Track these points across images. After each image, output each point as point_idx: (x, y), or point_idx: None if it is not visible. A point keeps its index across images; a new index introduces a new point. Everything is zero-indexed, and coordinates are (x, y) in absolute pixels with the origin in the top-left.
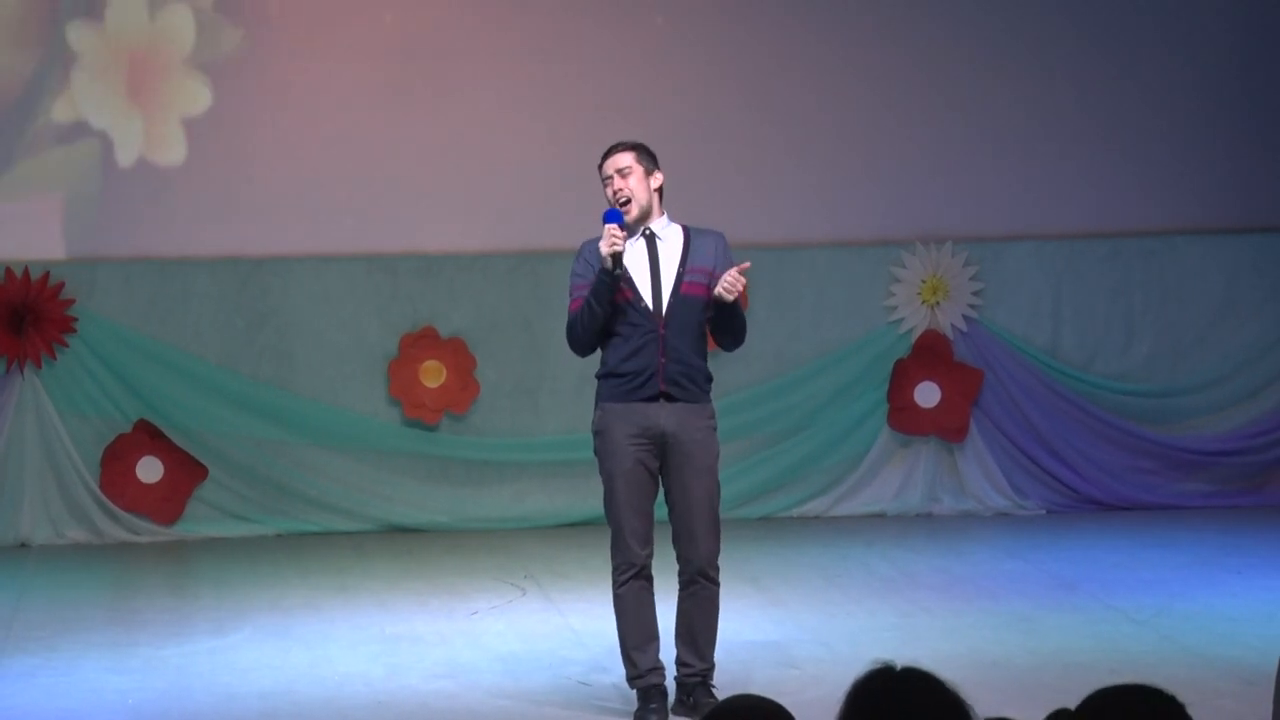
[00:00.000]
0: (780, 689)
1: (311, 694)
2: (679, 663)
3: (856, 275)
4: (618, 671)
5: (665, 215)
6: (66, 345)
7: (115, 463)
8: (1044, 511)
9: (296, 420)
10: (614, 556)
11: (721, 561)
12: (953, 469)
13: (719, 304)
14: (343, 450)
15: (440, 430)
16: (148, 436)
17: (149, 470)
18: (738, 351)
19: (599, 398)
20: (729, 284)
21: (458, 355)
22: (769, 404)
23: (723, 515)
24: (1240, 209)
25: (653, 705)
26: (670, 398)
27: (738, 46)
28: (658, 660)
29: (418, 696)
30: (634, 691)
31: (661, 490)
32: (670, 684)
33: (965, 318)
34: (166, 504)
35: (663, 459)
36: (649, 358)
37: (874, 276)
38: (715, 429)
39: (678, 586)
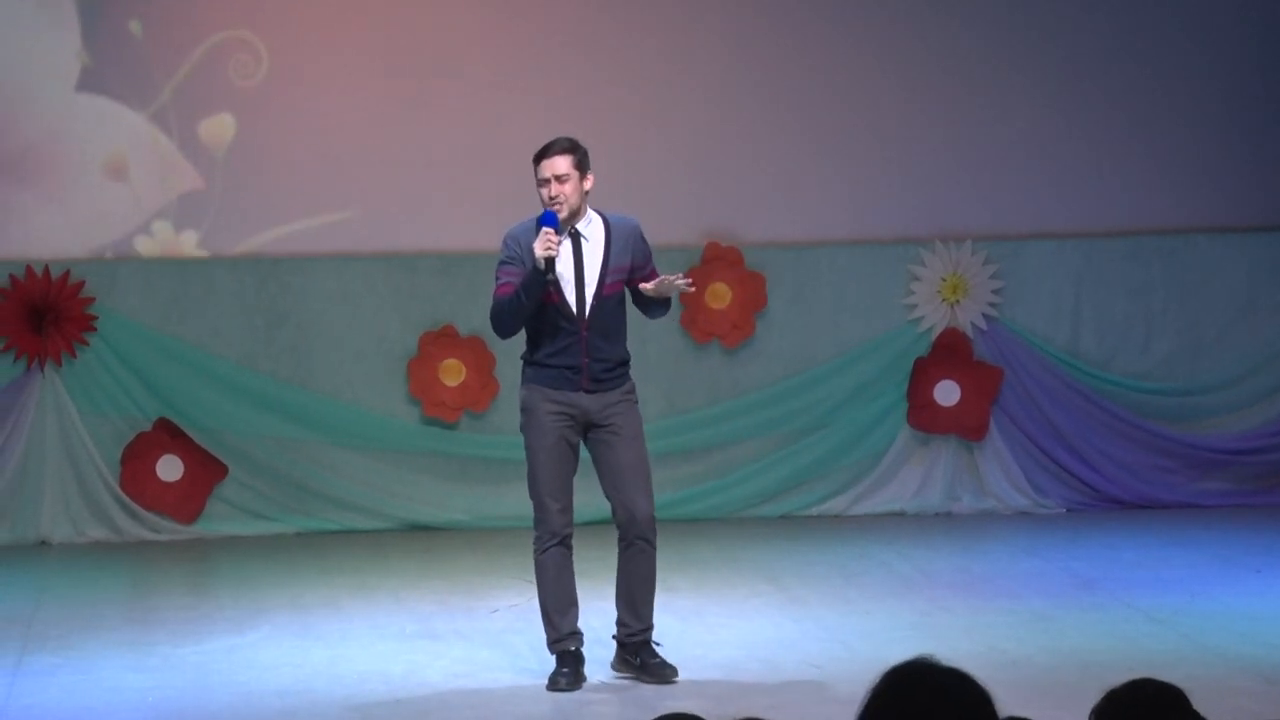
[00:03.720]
0: (800, 688)
1: (330, 692)
2: (620, 623)
3: (876, 273)
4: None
5: (589, 212)
6: (87, 344)
7: (135, 461)
8: (1064, 510)
9: (316, 419)
10: (537, 526)
11: (739, 560)
12: (972, 468)
13: (648, 293)
14: (362, 449)
15: (460, 429)
16: (168, 435)
17: (169, 469)
18: (756, 349)
19: (525, 379)
20: (668, 287)
21: (477, 354)
22: (788, 402)
23: (741, 514)
24: (1261, 207)
25: (565, 670)
26: (592, 390)
27: (758, 44)
28: (576, 625)
29: (436, 695)
30: (553, 656)
31: (594, 465)
32: (603, 645)
33: (985, 316)
34: (186, 502)
35: (586, 435)
36: (573, 357)
37: (894, 275)
38: (635, 401)
39: (617, 551)
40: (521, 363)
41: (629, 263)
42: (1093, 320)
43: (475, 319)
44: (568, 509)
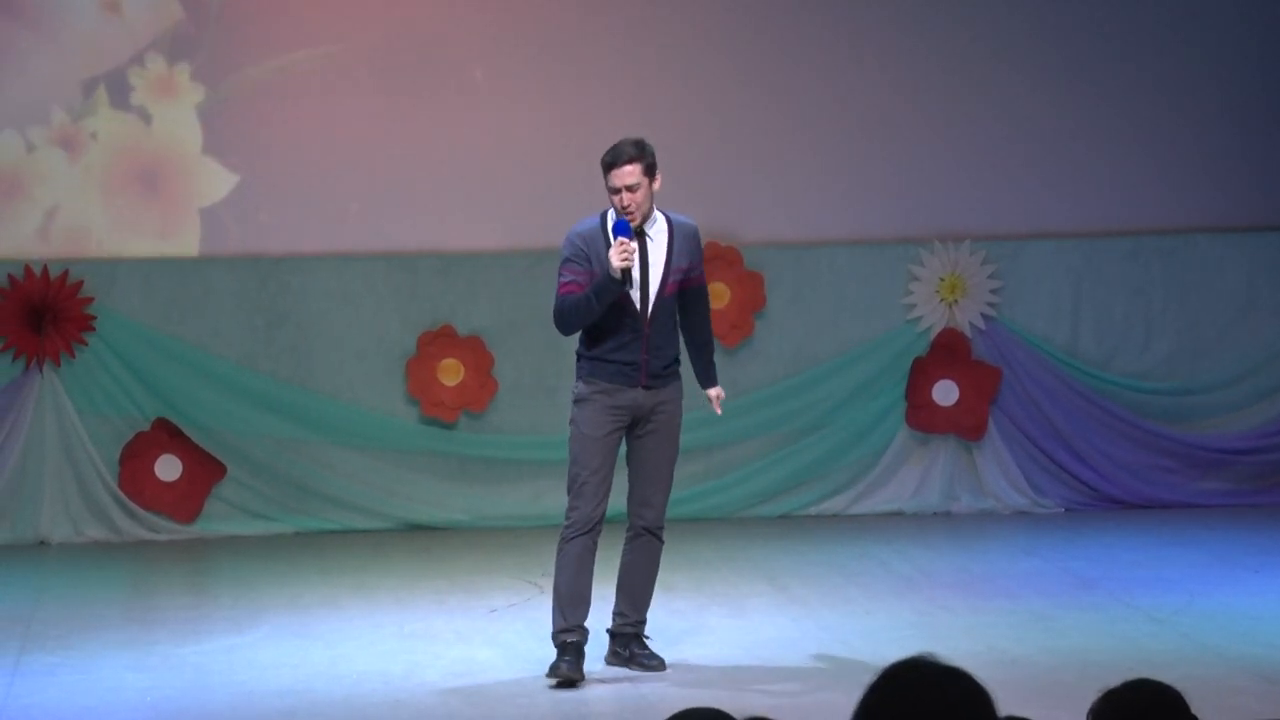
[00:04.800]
0: (799, 687)
1: (330, 692)
2: (616, 613)
3: (875, 274)
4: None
5: (654, 211)
6: (86, 344)
7: (134, 461)
8: (1063, 510)
9: (315, 418)
10: (571, 513)
11: (739, 560)
12: (971, 467)
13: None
14: (361, 448)
15: (458, 428)
16: (166, 435)
17: (168, 468)
18: (755, 349)
19: (583, 371)
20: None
21: (476, 353)
22: (787, 402)
23: (741, 514)
24: (1261, 206)
25: (567, 658)
26: (650, 386)
27: (756, 44)
28: (583, 621)
29: (435, 694)
30: (555, 645)
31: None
32: (602, 642)
33: (984, 316)
34: (185, 502)
35: (631, 428)
36: (634, 353)
37: (892, 275)
38: (681, 400)
39: (624, 539)
40: (577, 357)
41: (688, 264)
42: (1092, 320)
43: (474, 319)
44: (604, 502)
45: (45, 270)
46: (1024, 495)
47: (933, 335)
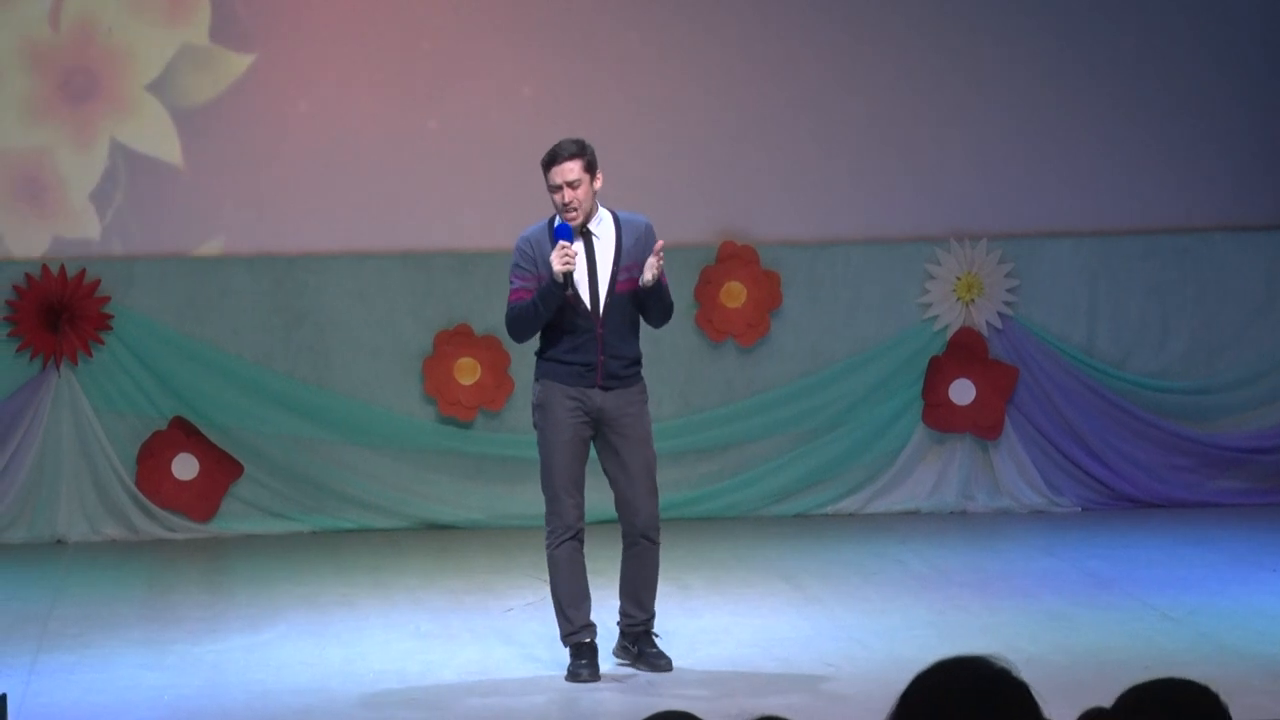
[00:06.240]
0: (816, 686)
1: (346, 691)
2: (623, 614)
3: (891, 272)
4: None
5: (599, 209)
6: (102, 342)
7: (151, 460)
8: (1079, 509)
9: (332, 417)
10: (550, 521)
11: (755, 559)
12: (987, 466)
13: (644, 290)
14: (378, 447)
15: (475, 427)
16: (183, 434)
17: (185, 467)
18: (772, 348)
19: (540, 374)
20: (651, 267)
21: (492, 352)
22: (804, 401)
23: (757, 512)
24: (1277, 205)
25: (583, 661)
26: (607, 387)
27: (773, 43)
28: (589, 618)
29: (452, 693)
30: (567, 648)
31: (601, 462)
32: (612, 638)
33: (1000, 315)
34: (202, 501)
35: (598, 432)
36: (589, 354)
37: (909, 273)
38: (646, 402)
39: (622, 547)
40: (535, 357)
41: (640, 260)
42: (1108, 319)
43: (490, 317)
44: (580, 503)
45: (63, 269)
46: (1040, 494)
47: (949, 334)
